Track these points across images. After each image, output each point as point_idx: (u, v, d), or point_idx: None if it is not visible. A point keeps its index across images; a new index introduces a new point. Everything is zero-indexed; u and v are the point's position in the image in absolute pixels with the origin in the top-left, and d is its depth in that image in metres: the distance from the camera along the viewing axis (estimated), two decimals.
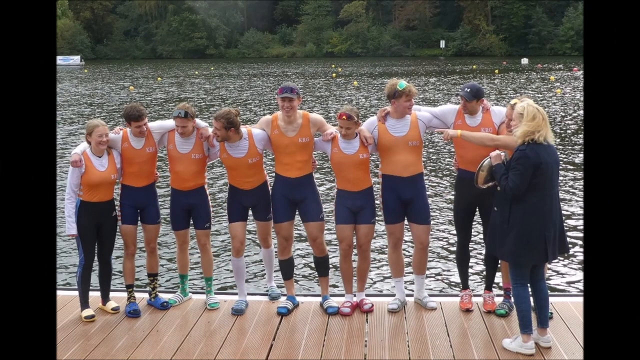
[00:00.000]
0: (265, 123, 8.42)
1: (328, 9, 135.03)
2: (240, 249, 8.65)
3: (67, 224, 8.14)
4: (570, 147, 24.70)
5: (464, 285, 8.65)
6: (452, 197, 9.08)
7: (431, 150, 24.54)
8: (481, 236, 9.31)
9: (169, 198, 8.67)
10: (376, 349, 7.41)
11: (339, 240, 8.57)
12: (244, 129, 8.27)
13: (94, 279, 8.67)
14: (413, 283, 8.81)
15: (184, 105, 8.26)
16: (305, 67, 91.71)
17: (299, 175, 8.32)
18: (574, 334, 7.48)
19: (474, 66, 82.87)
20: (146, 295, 8.83)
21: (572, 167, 21.07)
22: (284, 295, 8.83)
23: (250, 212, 8.69)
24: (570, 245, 8.04)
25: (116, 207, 8.47)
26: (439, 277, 12.17)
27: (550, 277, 11.49)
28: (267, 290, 9.09)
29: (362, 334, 7.77)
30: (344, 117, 7.95)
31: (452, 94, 46.16)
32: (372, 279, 11.57)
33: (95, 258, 8.45)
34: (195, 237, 8.89)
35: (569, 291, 11.06)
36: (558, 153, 7.25)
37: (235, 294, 8.91)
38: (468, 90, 8.07)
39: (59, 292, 8.79)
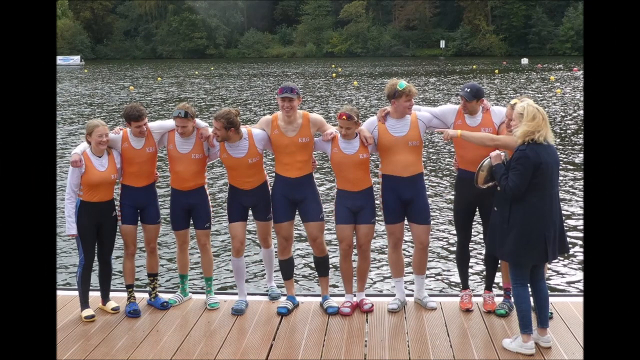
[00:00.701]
0: (265, 123, 8.42)
1: (328, 9, 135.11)
2: (240, 249, 8.65)
3: (67, 224, 8.14)
4: (570, 147, 24.71)
5: (464, 285, 8.65)
6: (452, 197, 9.08)
7: (431, 150, 24.55)
8: (481, 236, 9.30)
9: (169, 198, 8.67)
10: (376, 349, 7.41)
11: (339, 240, 8.57)
12: (244, 129, 8.28)
13: (94, 279, 8.67)
14: (413, 283, 8.82)
15: (184, 105, 8.27)
16: (305, 67, 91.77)
17: (299, 175, 8.32)
18: (574, 334, 7.48)
19: (474, 66, 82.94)
20: (146, 295, 8.83)
21: (572, 167, 21.08)
22: (284, 295, 8.83)
23: (250, 212, 8.70)
24: (570, 245, 8.05)
25: (116, 207, 8.47)
26: (439, 277, 12.18)
27: (550, 277, 11.49)
28: (267, 290, 9.09)
29: (362, 334, 7.78)
30: (344, 117, 7.96)
31: (452, 94, 46.19)
32: (372, 279, 11.58)
33: (95, 258, 8.45)
34: (195, 237, 8.89)
35: (569, 291, 11.06)
36: (558, 153, 7.26)
37: (235, 294, 8.91)
38: (468, 90, 8.07)
39: (59, 292, 8.79)
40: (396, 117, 8.18)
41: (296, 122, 8.23)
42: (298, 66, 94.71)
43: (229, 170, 8.48)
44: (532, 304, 7.38)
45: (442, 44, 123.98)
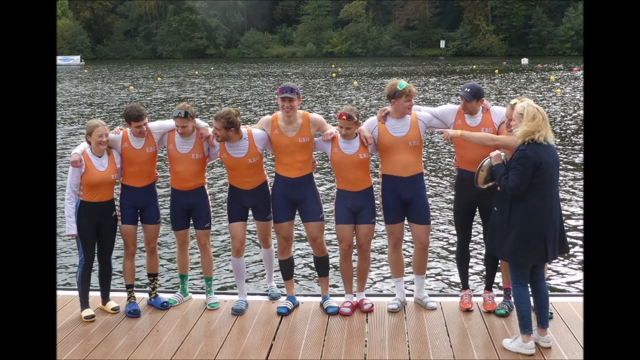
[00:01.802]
0: (265, 123, 8.43)
1: (328, 9, 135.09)
2: (240, 249, 8.66)
3: (67, 224, 8.15)
4: (570, 147, 24.72)
5: (464, 285, 8.66)
6: (452, 197, 9.07)
7: (431, 150, 24.56)
8: (481, 236, 9.29)
9: (169, 198, 8.68)
10: (376, 349, 7.42)
11: (339, 240, 8.58)
12: (244, 129, 8.29)
13: (94, 279, 8.68)
14: (413, 283, 8.82)
15: (184, 105, 8.28)
16: (305, 67, 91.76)
17: (299, 175, 8.32)
18: (574, 334, 7.48)
19: (474, 66, 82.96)
20: (146, 295, 8.85)
21: (572, 167, 21.09)
22: (284, 295, 8.84)
23: (250, 212, 8.70)
24: (570, 245, 8.05)
25: (116, 207, 8.47)
26: (439, 277, 12.18)
27: (550, 277, 11.50)
28: (267, 290, 9.10)
29: (362, 334, 7.79)
30: (344, 117, 7.96)
31: (452, 94, 46.21)
32: (372, 279, 11.58)
33: (95, 258, 8.46)
34: (195, 237, 8.90)
35: (569, 291, 11.06)
36: (558, 153, 7.26)
37: (235, 294, 8.93)
38: (468, 90, 8.08)
39: (59, 292, 8.81)
40: (396, 117, 8.19)
41: (296, 122, 8.23)
42: (298, 66, 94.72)
43: (229, 170, 8.49)
44: (532, 303, 7.39)
45: (442, 44, 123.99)
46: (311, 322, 8.19)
